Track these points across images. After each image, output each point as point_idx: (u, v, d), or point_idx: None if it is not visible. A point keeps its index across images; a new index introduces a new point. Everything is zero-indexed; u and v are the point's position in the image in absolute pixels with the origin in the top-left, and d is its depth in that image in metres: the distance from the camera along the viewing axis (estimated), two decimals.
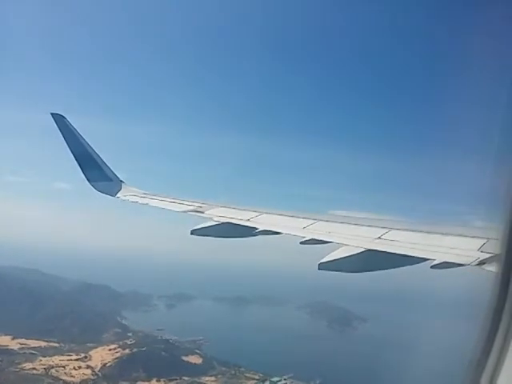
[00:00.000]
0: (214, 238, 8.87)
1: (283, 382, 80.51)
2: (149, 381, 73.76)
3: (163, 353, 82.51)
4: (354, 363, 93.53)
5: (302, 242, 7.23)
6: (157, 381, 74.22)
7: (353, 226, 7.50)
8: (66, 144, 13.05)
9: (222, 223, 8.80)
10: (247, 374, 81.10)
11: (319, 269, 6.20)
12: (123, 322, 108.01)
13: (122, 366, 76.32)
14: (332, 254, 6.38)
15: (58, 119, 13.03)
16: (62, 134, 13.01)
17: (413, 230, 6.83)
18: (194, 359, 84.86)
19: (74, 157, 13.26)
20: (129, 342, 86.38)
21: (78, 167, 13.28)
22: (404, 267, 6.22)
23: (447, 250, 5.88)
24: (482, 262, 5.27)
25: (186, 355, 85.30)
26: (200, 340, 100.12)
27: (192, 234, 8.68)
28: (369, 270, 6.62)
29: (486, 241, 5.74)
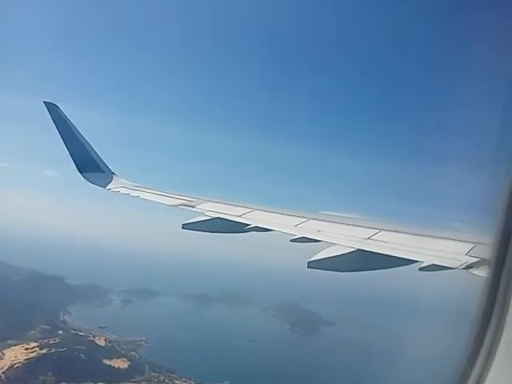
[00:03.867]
0: (203, 233, 8.88)
1: None
2: None
3: (82, 355, 75.92)
4: (302, 370, 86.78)
5: (292, 240, 7.26)
6: None
7: (343, 226, 7.56)
8: (57, 132, 12.97)
9: (214, 218, 8.81)
10: (177, 381, 75.70)
11: (309, 267, 6.24)
12: (64, 317, 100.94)
13: (31, 368, 68.94)
14: (322, 252, 6.43)
15: (52, 108, 12.92)
16: (55, 123, 12.91)
17: (403, 232, 6.90)
18: (119, 363, 77.93)
19: (66, 147, 13.16)
20: (51, 342, 79.65)
21: (68, 155, 13.21)
22: (393, 268, 6.30)
23: (436, 253, 5.95)
24: (469, 266, 5.34)
25: (110, 358, 78.35)
26: (140, 341, 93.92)
27: (183, 228, 8.70)
28: (358, 270, 6.68)
29: (473, 245, 5.83)
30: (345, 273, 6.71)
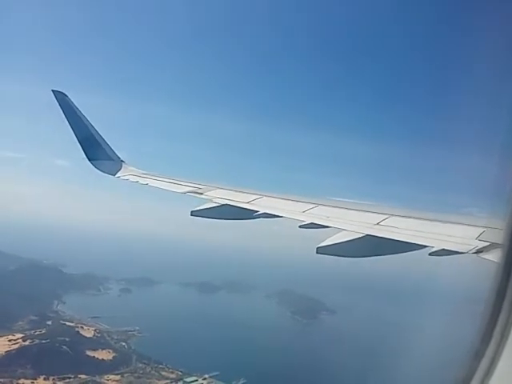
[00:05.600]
0: (212, 220, 8.91)
1: (200, 382, 74.09)
2: (35, 378, 65.07)
3: (64, 347, 73.87)
4: (298, 359, 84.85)
5: (301, 226, 7.24)
6: (44, 379, 65.67)
7: (352, 212, 7.51)
8: (66, 121, 12.99)
9: (222, 205, 8.80)
10: (163, 373, 74.33)
11: (317, 253, 6.22)
12: (57, 307, 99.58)
13: (11, 361, 67.68)
14: (331, 238, 6.40)
15: (60, 97, 12.91)
16: (64, 112, 12.91)
17: (412, 217, 6.85)
18: (103, 354, 76.40)
19: (76, 135, 13.19)
20: (37, 333, 78.40)
21: (78, 144, 13.25)
22: (402, 253, 6.26)
23: (446, 238, 5.90)
24: (479, 251, 5.29)
25: (95, 350, 76.79)
26: (133, 331, 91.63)
27: (192, 215, 8.72)
28: (367, 256, 6.66)
29: (484, 230, 5.77)
30: (354, 258, 6.70)
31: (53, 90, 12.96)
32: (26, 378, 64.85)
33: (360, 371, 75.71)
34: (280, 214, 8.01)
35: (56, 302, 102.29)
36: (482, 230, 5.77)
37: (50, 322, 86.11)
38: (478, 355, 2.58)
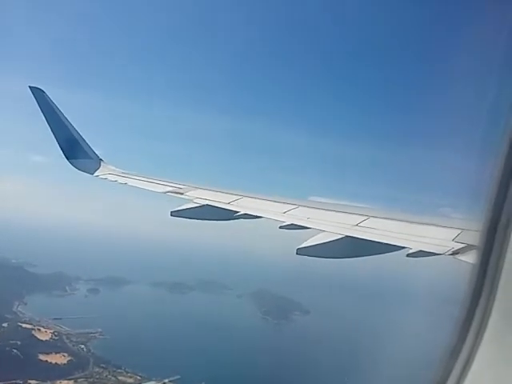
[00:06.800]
0: (192, 221, 8.87)
1: None
2: None
3: (15, 351, 70.38)
4: (262, 361, 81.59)
5: (281, 227, 7.28)
6: None
7: (332, 213, 7.58)
8: (43, 118, 12.78)
9: (202, 205, 8.77)
10: (121, 377, 70.79)
11: (297, 254, 6.27)
12: (17, 308, 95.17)
13: None
14: (311, 239, 6.45)
15: (38, 93, 12.69)
16: (41, 109, 12.70)
17: (391, 219, 6.95)
18: (57, 358, 72.47)
19: (53, 133, 12.98)
20: None
21: (55, 141, 13.05)
22: (380, 255, 6.35)
23: (423, 239, 6.01)
24: (455, 252, 5.40)
25: (48, 354, 72.91)
26: (95, 333, 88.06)
27: (171, 215, 8.66)
28: (346, 257, 6.73)
29: (460, 231, 5.89)
30: (334, 259, 6.76)
31: (30, 87, 12.74)
32: None
33: (327, 372, 75.94)
34: (260, 215, 8.03)
35: (17, 303, 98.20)
36: (458, 231, 5.90)
37: (5, 324, 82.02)
38: (453, 355, 2.62)
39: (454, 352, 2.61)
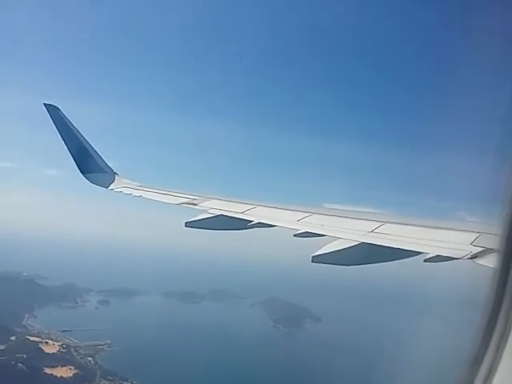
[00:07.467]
0: (207, 231, 8.90)
1: None
2: None
3: (20, 364, 69.76)
4: (274, 370, 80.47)
5: (295, 235, 7.25)
6: None
7: (347, 220, 7.52)
8: (58, 133, 12.99)
9: (216, 216, 8.80)
10: None
11: (313, 261, 6.23)
12: (27, 321, 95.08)
13: None
14: (326, 246, 6.41)
15: (52, 110, 12.92)
16: (56, 125, 12.93)
17: (406, 224, 6.87)
18: (63, 372, 71.75)
19: (68, 148, 13.20)
20: None
21: (69, 155, 13.25)
22: (398, 260, 6.28)
23: (440, 244, 5.93)
24: (474, 256, 5.32)
25: (54, 367, 72.15)
26: (103, 345, 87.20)
27: (186, 226, 8.70)
28: (362, 264, 6.67)
29: (478, 235, 5.80)
30: (349, 267, 6.71)
31: (45, 104, 12.98)
32: None
33: (339, 382, 74.10)
34: (274, 224, 8.02)
35: (27, 316, 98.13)
36: (476, 235, 5.80)
37: (13, 338, 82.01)
38: (476, 363, 2.56)
39: (477, 359, 2.56)
